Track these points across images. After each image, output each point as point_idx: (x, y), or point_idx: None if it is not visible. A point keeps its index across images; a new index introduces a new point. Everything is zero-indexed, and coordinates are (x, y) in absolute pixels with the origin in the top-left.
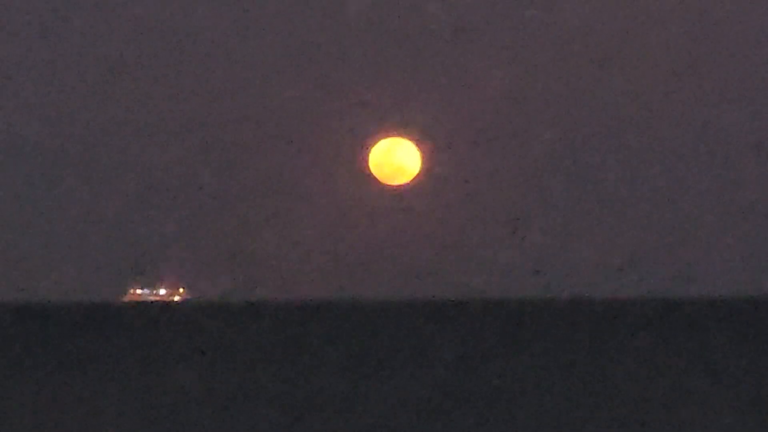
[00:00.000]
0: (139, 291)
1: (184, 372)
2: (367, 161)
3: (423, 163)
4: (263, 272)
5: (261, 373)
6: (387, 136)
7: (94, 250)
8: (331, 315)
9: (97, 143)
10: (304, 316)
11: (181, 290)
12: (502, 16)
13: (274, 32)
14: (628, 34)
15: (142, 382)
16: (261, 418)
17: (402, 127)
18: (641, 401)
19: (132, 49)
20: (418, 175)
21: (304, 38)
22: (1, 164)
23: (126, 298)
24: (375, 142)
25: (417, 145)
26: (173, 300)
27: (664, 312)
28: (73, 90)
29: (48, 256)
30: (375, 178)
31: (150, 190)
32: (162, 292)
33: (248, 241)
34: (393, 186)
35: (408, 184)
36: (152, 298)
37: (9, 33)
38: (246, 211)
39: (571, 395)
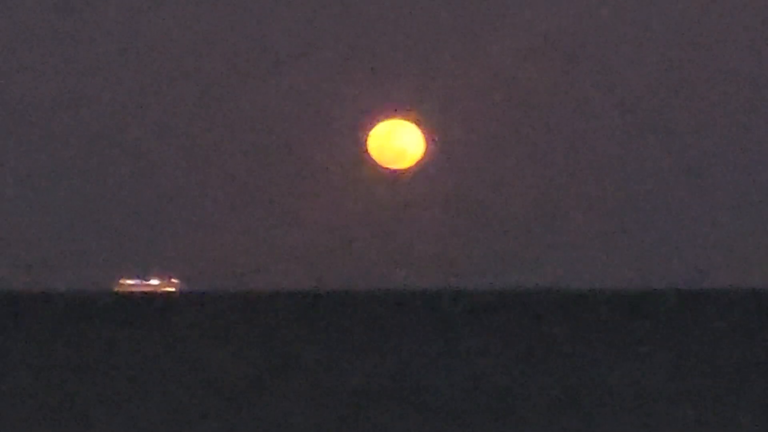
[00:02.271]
0: (131, 281)
1: (180, 359)
2: (367, 145)
3: (424, 147)
4: (258, 261)
5: (261, 362)
6: (387, 118)
7: (90, 242)
8: (330, 303)
9: (97, 142)
10: (304, 305)
11: (173, 281)
12: (509, 6)
13: (276, 17)
14: (623, 35)
15: (138, 368)
16: (269, 410)
17: (403, 111)
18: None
19: (135, 48)
20: (419, 159)
21: (308, 23)
22: (3, 161)
23: (119, 288)
24: (375, 126)
25: (418, 129)
26: (166, 290)
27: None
28: (74, 92)
29: (45, 248)
30: (375, 162)
31: (147, 182)
32: (155, 282)
33: (245, 229)
34: (393, 170)
35: (409, 168)
36: (144, 289)
37: (11, 35)
38: (244, 201)
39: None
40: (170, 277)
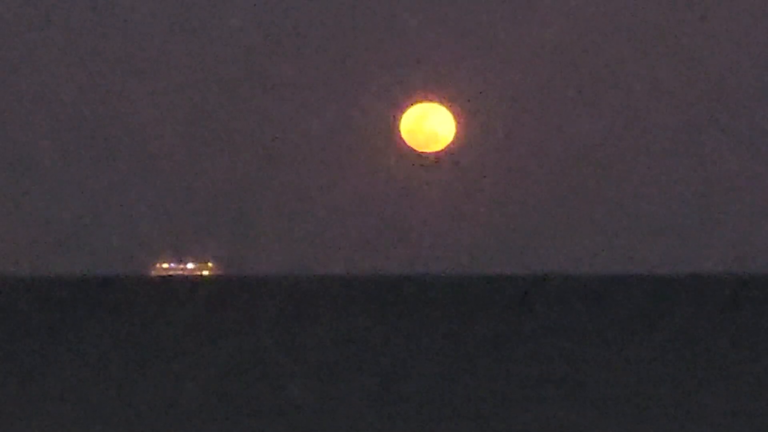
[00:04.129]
0: (166, 265)
1: (215, 344)
2: (399, 128)
3: (456, 130)
4: (291, 245)
5: (292, 345)
6: (420, 101)
7: (123, 226)
8: (365, 287)
9: (119, 127)
10: (333, 288)
11: (209, 264)
12: None
13: (305, 2)
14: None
15: (170, 353)
16: (286, 392)
17: (434, 95)
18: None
19: (151, 36)
20: (451, 142)
21: (341, 7)
22: (34, 148)
23: (154, 272)
24: (407, 109)
25: (450, 112)
26: (202, 274)
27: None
28: (97, 84)
29: (78, 231)
30: (407, 146)
31: (186, 169)
32: (190, 266)
33: (278, 214)
34: (425, 153)
35: (441, 151)
36: (180, 273)
37: (10, 34)
38: (277, 186)
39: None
40: (206, 261)
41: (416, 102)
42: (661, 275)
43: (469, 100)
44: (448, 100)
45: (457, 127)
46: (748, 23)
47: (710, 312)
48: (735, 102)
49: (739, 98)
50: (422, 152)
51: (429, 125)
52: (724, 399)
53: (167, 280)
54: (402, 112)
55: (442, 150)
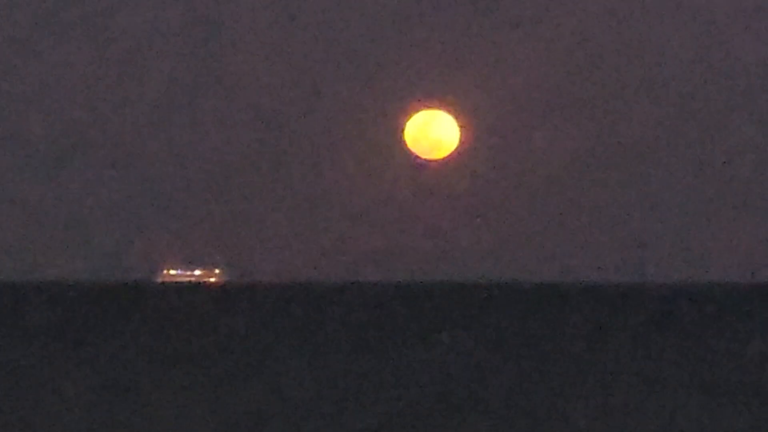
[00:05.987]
0: (174, 272)
1: (222, 351)
2: (403, 135)
3: (460, 137)
4: (298, 252)
5: (300, 352)
6: (423, 109)
7: (129, 230)
8: (369, 293)
9: (128, 132)
10: (339, 295)
11: (216, 271)
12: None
13: (309, 8)
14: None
15: (175, 359)
16: (290, 399)
17: (438, 102)
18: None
19: (162, 32)
20: (455, 149)
21: (339, 13)
22: (38, 151)
23: (162, 279)
24: (411, 116)
25: (454, 119)
26: (209, 281)
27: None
28: (105, 84)
29: (85, 237)
30: (411, 153)
31: (180, 170)
32: (197, 272)
33: (285, 221)
34: (429, 160)
35: (445, 158)
36: (188, 279)
37: (9, 35)
38: (284, 193)
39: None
40: (214, 268)
41: (420, 109)
42: (668, 283)
43: (473, 107)
44: (452, 107)
45: (461, 134)
46: (755, 26)
47: (718, 320)
48: (739, 105)
49: (745, 102)
50: (426, 159)
51: (433, 132)
52: (731, 407)
53: (175, 286)
54: (406, 119)
55: (446, 157)
